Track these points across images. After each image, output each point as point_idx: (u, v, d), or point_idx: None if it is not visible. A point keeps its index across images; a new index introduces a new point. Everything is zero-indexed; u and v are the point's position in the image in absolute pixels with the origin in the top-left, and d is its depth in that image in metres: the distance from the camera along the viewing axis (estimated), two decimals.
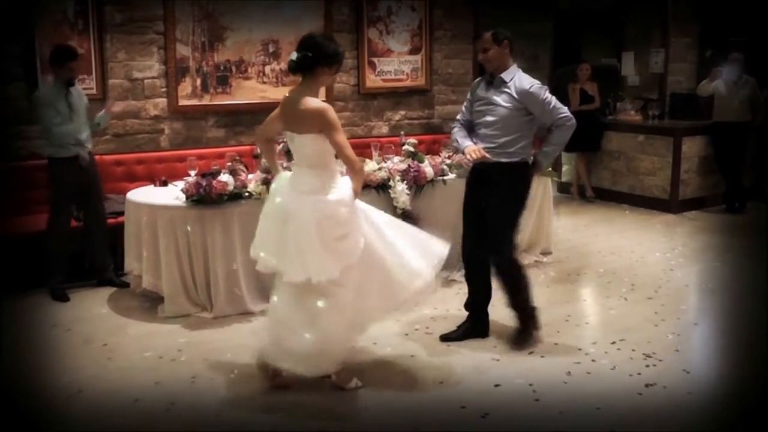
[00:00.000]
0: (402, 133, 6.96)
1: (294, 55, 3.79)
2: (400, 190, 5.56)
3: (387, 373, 4.27)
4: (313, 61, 3.77)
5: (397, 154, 6.14)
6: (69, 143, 5.43)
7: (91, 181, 5.63)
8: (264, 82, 7.33)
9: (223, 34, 7.07)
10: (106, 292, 5.65)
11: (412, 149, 6.06)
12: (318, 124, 3.74)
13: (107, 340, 4.76)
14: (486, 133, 4.48)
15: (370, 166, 5.65)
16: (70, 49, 5.59)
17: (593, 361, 4.40)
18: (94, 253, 5.79)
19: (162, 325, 5.00)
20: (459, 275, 5.90)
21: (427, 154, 6.19)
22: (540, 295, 5.64)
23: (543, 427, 3.66)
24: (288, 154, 5.23)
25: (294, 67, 3.82)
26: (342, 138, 3.77)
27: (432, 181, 5.87)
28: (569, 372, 4.24)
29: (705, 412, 3.81)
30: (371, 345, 4.60)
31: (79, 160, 5.46)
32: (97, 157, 5.91)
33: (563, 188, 9.64)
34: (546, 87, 4.46)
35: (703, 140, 8.69)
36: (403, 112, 8.35)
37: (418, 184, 5.77)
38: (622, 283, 5.92)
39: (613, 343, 4.67)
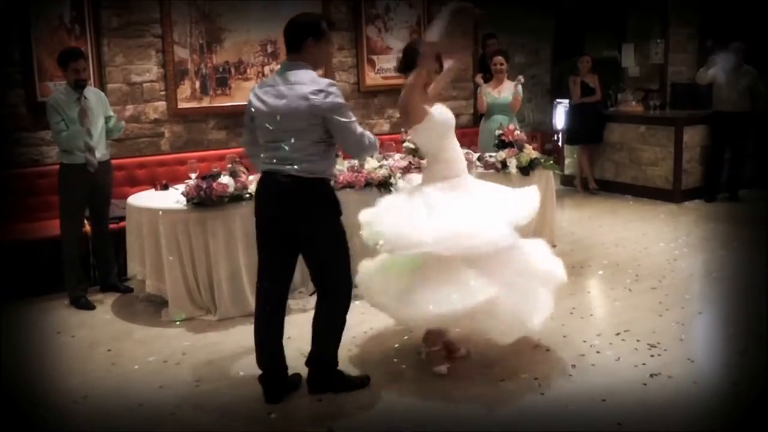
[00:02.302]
0: (403, 130, 6.94)
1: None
2: (402, 188, 5.54)
3: (391, 369, 4.27)
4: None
5: (398, 152, 6.14)
6: (77, 149, 5.30)
7: (98, 187, 5.47)
8: None
9: (221, 35, 7.06)
10: (110, 297, 5.65)
11: (413, 146, 6.05)
12: None
13: (111, 345, 4.76)
14: None
15: (371, 163, 5.65)
16: (70, 49, 5.51)
17: (598, 352, 4.39)
18: (97, 259, 5.78)
19: (166, 328, 5.01)
20: None
21: None
22: None
23: (549, 421, 3.65)
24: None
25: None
26: None
27: None
28: (574, 365, 4.23)
29: (710, 401, 3.80)
30: (374, 343, 4.61)
31: (87, 165, 5.34)
32: None
33: (566, 181, 9.61)
34: None
35: (704, 130, 8.65)
36: None
37: None
38: (626, 274, 5.91)
39: (618, 334, 4.65)
